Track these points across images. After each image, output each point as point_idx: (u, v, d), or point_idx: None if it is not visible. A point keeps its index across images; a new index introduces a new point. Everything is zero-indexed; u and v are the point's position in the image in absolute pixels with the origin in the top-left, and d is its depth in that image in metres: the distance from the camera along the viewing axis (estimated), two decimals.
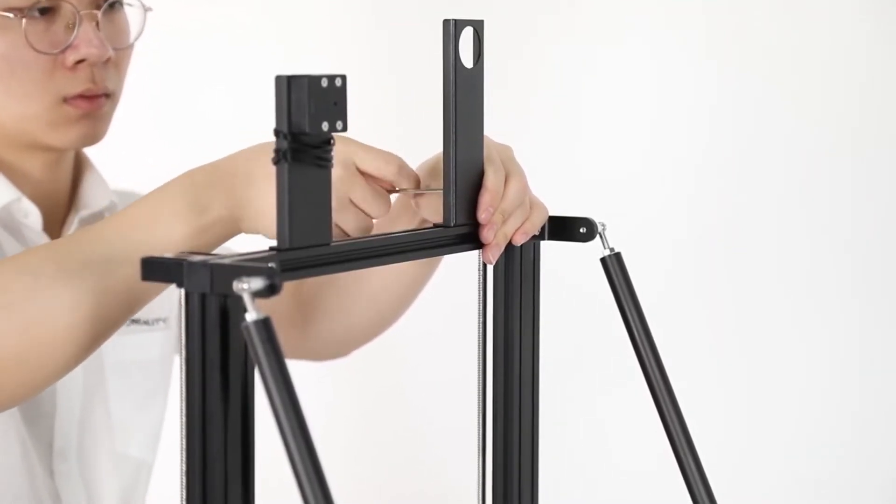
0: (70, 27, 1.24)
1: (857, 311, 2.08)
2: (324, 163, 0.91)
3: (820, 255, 2.09)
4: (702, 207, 2.10)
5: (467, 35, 1.02)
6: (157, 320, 1.43)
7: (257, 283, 0.80)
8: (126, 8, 1.31)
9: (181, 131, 2.16)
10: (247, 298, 0.79)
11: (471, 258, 1.09)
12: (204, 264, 0.83)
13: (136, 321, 1.41)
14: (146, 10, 1.32)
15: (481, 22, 1.04)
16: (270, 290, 0.80)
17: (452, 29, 1.00)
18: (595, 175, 2.11)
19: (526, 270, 1.09)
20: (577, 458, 2.13)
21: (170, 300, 1.40)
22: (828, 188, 2.08)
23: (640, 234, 2.08)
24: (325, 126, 0.89)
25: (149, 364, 1.44)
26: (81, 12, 1.24)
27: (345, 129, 0.90)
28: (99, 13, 1.25)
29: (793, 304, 2.09)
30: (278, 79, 0.88)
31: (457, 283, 1.58)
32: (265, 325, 0.78)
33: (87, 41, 1.23)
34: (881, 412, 2.08)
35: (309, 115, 0.88)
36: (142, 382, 1.43)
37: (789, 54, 2.06)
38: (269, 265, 0.81)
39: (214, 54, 2.19)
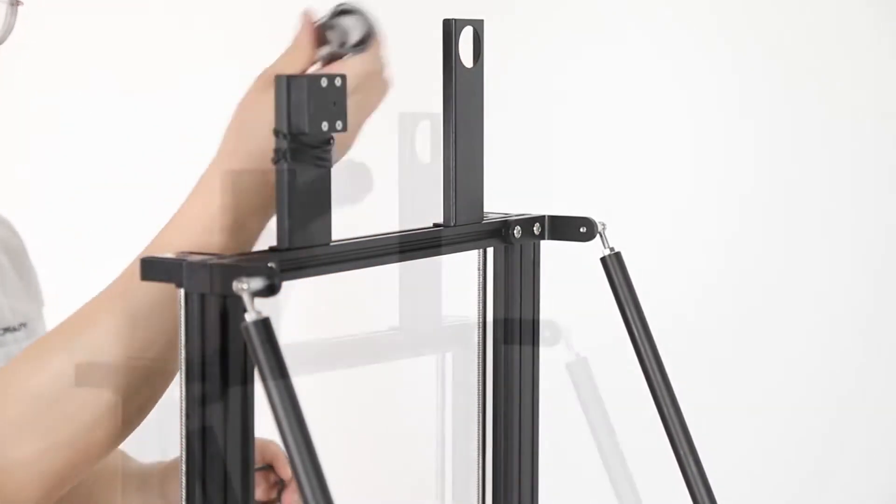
0: None
1: (857, 311, 2.07)
2: (323, 163, 0.91)
3: (819, 252, 2.08)
4: (702, 207, 2.10)
5: (467, 35, 1.02)
6: (22, 325, 1.30)
7: (257, 283, 0.80)
8: None
9: (180, 130, 2.16)
10: (246, 298, 0.79)
11: (471, 258, 1.09)
12: (203, 264, 0.83)
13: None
14: (14, 3, 1.15)
15: (481, 22, 1.04)
16: (270, 290, 0.80)
17: (452, 29, 1.00)
18: (595, 175, 2.11)
19: (526, 270, 1.09)
20: (576, 458, 2.13)
21: (29, 303, 1.31)
22: (830, 186, 2.07)
23: (640, 234, 2.08)
24: (324, 126, 0.89)
25: None
26: None
27: (344, 128, 0.90)
28: None
29: (794, 302, 2.09)
30: (278, 78, 0.88)
31: (457, 283, 1.58)
32: (265, 325, 0.78)
33: None
34: (882, 412, 2.08)
35: (308, 115, 0.88)
36: None
37: (795, 49, 2.05)
38: (269, 265, 0.81)
39: (214, 53, 2.19)
